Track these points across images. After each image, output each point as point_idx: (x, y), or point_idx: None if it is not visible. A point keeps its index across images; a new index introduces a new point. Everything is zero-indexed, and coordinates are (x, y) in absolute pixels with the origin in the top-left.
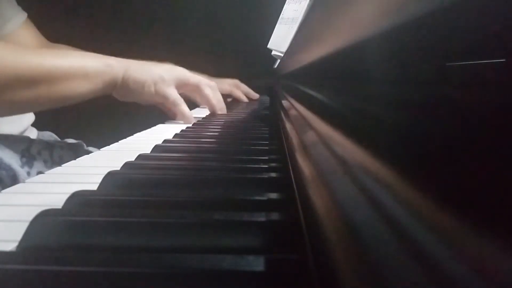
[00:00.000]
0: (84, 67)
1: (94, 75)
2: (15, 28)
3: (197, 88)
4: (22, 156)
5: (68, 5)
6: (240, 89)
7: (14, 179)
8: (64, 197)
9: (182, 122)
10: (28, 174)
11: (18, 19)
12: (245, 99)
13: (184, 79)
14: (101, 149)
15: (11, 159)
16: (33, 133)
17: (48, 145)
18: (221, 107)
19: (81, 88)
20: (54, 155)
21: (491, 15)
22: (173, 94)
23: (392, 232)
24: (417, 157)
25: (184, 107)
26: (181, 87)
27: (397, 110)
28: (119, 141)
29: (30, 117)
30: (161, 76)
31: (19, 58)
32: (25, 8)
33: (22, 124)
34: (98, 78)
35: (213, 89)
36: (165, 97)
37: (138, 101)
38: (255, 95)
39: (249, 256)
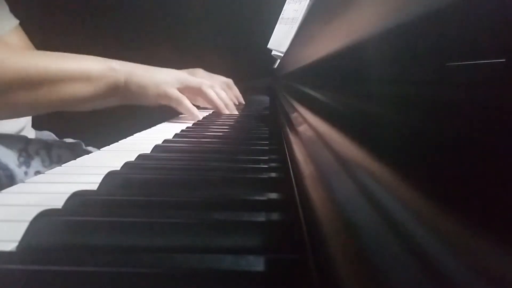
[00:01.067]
0: (87, 70)
1: (97, 78)
2: (3, 33)
3: (199, 90)
4: (20, 155)
5: (67, 8)
6: (231, 91)
7: (11, 179)
8: (64, 197)
9: (183, 121)
10: (26, 173)
11: (9, 24)
12: (226, 111)
13: (186, 82)
14: (101, 149)
15: (8, 158)
16: (31, 133)
17: (46, 145)
18: (228, 106)
19: (83, 91)
20: (52, 155)
21: (491, 15)
22: (175, 93)
23: (392, 232)
24: (417, 157)
25: (187, 103)
26: (183, 90)
27: (397, 110)
28: (119, 141)
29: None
30: (164, 79)
31: (20, 60)
32: (18, 16)
33: (19, 122)
34: (101, 81)
35: (217, 89)
36: (168, 98)
37: (141, 104)
38: (242, 102)
39: (249, 256)
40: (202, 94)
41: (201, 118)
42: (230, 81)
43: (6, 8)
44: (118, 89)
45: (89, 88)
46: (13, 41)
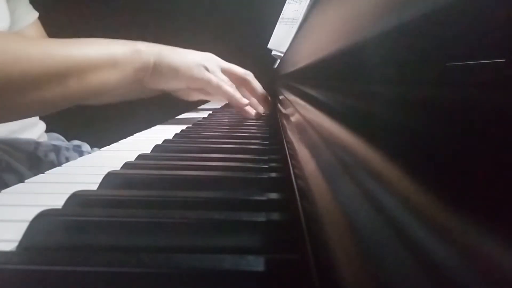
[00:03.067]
0: (113, 55)
1: (123, 62)
2: (24, 26)
3: (244, 80)
4: (29, 158)
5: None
6: (250, 86)
7: (21, 182)
8: (64, 197)
9: (183, 121)
10: None
11: (29, 18)
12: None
13: (228, 68)
14: (101, 149)
15: (19, 162)
16: (42, 137)
17: (55, 148)
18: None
19: (111, 77)
20: (60, 157)
21: (491, 15)
22: (214, 77)
23: (393, 232)
24: (417, 157)
25: (228, 87)
26: (225, 76)
27: (397, 110)
28: (119, 141)
29: (42, 125)
30: (198, 62)
31: (44, 50)
32: (36, 7)
33: (35, 133)
34: (128, 65)
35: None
36: (204, 81)
37: (171, 88)
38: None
39: (249, 256)
40: (247, 85)
41: (247, 103)
42: (249, 73)
43: (26, 1)
44: (147, 72)
45: (117, 74)
46: (32, 34)
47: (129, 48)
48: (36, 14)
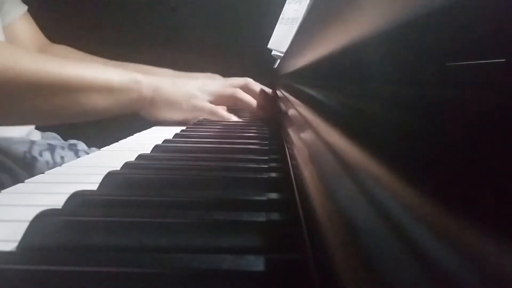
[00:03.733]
0: (110, 81)
1: (119, 90)
2: (12, 20)
3: (234, 98)
4: (24, 158)
5: (69, 3)
6: (252, 93)
7: (15, 182)
8: (64, 197)
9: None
10: (30, 176)
11: (18, 11)
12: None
13: (218, 93)
14: (101, 149)
15: (13, 162)
16: (36, 135)
17: (50, 146)
18: (268, 103)
19: (104, 103)
20: (55, 156)
21: (491, 15)
22: (207, 105)
23: (392, 232)
24: (417, 158)
25: (222, 112)
26: (216, 102)
27: (397, 110)
28: (119, 141)
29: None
30: (194, 94)
31: (38, 64)
32: (26, 2)
33: (26, 128)
34: (124, 94)
35: (251, 88)
36: (200, 111)
37: (168, 119)
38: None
39: (249, 256)
40: (238, 101)
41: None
42: (248, 80)
43: None
44: (143, 105)
45: (110, 100)
46: (22, 28)
47: (128, 78)
48: (25, 8)
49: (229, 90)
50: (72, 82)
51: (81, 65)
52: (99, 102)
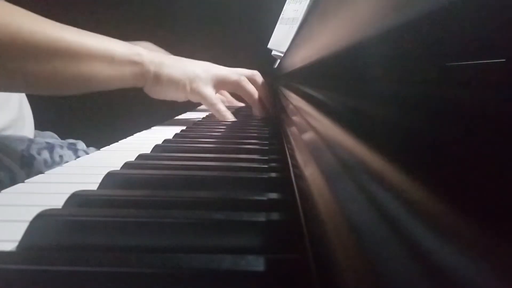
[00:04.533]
0: (110, 51)
1: (120, 62)
2: None
3: (237, 85)
4: (22, 156)
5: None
6: (256, 84)
7: (13, 180)
8: (64, 197)
9: (184, 120)
10: (28, 174)
11: None
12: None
13: (222, 78)
14: (101, 149)
15: (11, 160)
16: (35, 134)
17: (48, 145)
18: (264, 106)
19: (104, 72)
20: (54, 155)
21: (491, 15)
22: (210, 93)
23: (393, 232)
24: (417, 157)
25: (220, 106)
26: (219, 86)
27: (397, 110)
28: (119, 141)
29: (30, 124)
30: (198, 74)
31: (38, 26)
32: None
33: (25, 131)
34: (126, 66)
35: (256, 80)
36: (201, 97)
37: (171, 99)
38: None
39: (249, 256)
40: (241, 89)
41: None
42: (255, 72)
43: None
44: (147, 80)
45: (111, 70)
46: None
47: (130, 50)
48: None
49: (234, 76)
50: (72, 47)
51: (83, 32)
52: (100, 71)
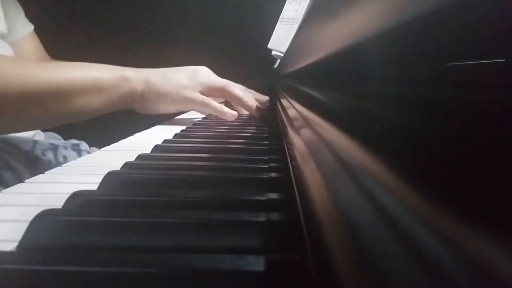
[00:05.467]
0: (98, 80)
1: (109, 88)
2: (20, 38)
3: (223, 90)
4: (27, 157)
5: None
6: (230, 95)
7: (19, 181)
8: (64, 197)
9: (184, 120)
10: (33, 175)
11: (26, 30)
12: (255, 111)
13: (209, 83)
14: (101, 149)
15: (16, 160)
16: (38, 135)
17: (52, 146)
18: (256, 106)
19: (95, 102)
20: (58, 156)
21: (491, 15)
22: (199, 97)
23: (393, 232)
24: (417, 157)
25: (215, 104)
26: (206, 92)
27: (397, 110)
28: (119, 141)
29: None
30: (183, 84)
31: (26, 72)
32: (31, 20)
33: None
34: (114, 91)
35: (243, 90)
36: (191, 102)
37: (163, 112)
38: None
39: (249, 256)
40: (228, 94)
41: (236, 115)
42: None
43: (22, 14)
44: (134, 99)
45: (101, 99)
46: (28, 46)
47: (116, 74)
48: (31, 27)
49: (221, 81)
50: (63, 86)
51: (69, 67)
52: (91, 102)
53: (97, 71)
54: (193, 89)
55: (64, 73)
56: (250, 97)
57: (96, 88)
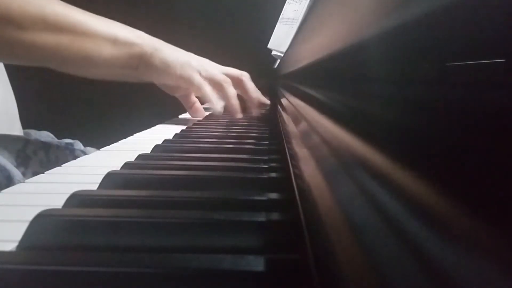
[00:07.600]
0: (114, 33)
1: (122, 43)
2: None
3: (239, 79)
4: (18, 156)
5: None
6: (244, 86)
7: (9, 180)
8: (64, 197)
9: (183, 120)
10: (24, 174)
11: None
12: (238, 115)
13: (211, 73)
14: (101, 149)
15: (6, 159)
16: (32, 133)
17: (44, 145)
18: (260, 99)
19: (106, 52)
20: (50, 155)
21: (491, 15)
22: (198, 79)
23: (393, 232)
24: (417, 157)
25: (208, 88)
26: (205, 79)
27: (397, 110)
28: (119, 141)
29: (16, 121)
30: (189, 62)
31: (46, 1)
32: None
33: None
34: (126, 47)
35: (244, 82)
36: (189, 82)
37: (160, 82)
38: (266, 102)
39: (249, 256)
40: (243, 84)
41: (220, 108)
42: (245, 74)
43: None
44: (141, 60)
45: (112, 50)
46: None
47: (132, 33)
48: None
49: (221, 77)
50: (78, 24)
51: (88, 13)
52: (103, 51)
53: (115, 25)
54: (196, 70)
55: (82, 15)
56: (260, 94)
57: (110, 38)
